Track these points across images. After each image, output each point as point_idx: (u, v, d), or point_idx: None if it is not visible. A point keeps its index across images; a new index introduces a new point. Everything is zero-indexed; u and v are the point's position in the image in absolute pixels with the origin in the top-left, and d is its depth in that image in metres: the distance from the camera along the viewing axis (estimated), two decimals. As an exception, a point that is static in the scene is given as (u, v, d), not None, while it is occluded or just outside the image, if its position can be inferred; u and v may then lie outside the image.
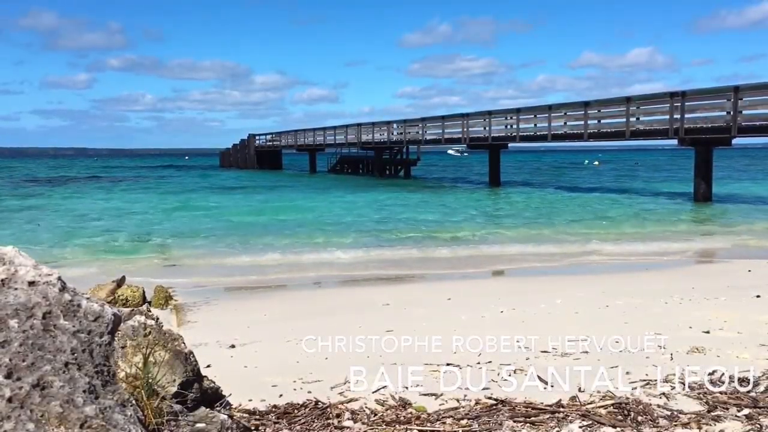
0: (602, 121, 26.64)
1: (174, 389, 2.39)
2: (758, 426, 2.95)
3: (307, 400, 3.56)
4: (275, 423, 3.13)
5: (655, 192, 30.66)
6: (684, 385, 3.69)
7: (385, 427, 3.08)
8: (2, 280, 1.99)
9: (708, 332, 5.31)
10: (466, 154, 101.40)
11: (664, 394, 3.54)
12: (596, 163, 76.20)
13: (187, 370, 2.48)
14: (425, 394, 3.70)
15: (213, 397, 2.62)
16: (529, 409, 3.30)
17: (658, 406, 3.32)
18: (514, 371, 4.22)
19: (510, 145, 33.48)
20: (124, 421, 1.90)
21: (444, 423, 3.13)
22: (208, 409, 2.44)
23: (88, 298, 2.11)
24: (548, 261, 12.34)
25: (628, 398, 3.45)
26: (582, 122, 27.29)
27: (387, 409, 3.39)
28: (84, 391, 1.88)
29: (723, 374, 3.89)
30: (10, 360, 1.82)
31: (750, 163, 68.55)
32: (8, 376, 1.80)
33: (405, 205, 23.71)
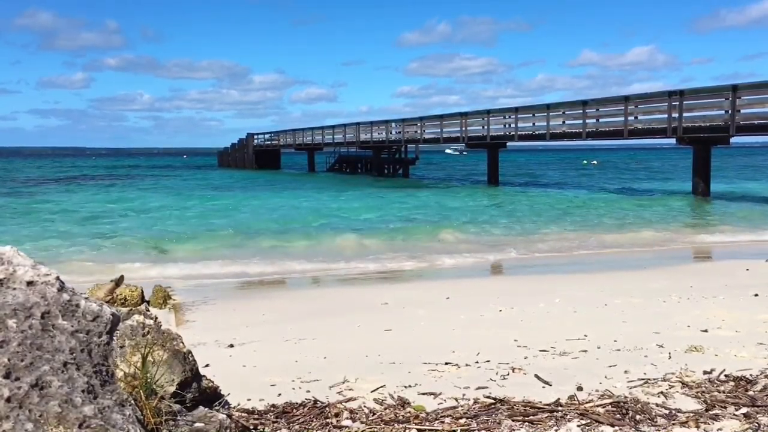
0: (601, 120, 26.69)
1: (172, 389, 2.39)
2: (756, 424, 2.96)
3: (306, 399, 3.56)
4: (274, 422, 3.13)
5: (653, 190, 30.69)
6: (682, 383, 3.70)
7: (383, 426, 3.08)
8: (0, 280, 1.99)
9: (706, 331, 5.32)
10: (464, 153, 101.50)
11: (662, 392, 3.55)
12: (594, 162, 76.32)
13: (185, 369, 2.48)
14: (424, 393, 3.70)
15: (212, 397, 2.62)
16: (528, 408, 3.31)
17: (657, 404, 3.33)
18: (513, 370, 4.23)
19: (509, 144, 33.52)
20: (123, 421, 1.90)
21: (443, 422, 3.13)
22: (206, 409, 2.44)
23: (86, 298, 2.11)
24: (549, 257, 12.37)
25: (626, 397, 3.45)
26: (580, 121, 27.33)
27: (386, 408, 3.39)
28: (83, 391, 1.88)
29: (721, 373, 3.90)
30: (9, 360, 1.82)
31: (748, 161, 68.66)
32: (7, 375, 1.80)
33: (404, 204, 23.71)
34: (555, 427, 3.01)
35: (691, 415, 3.14)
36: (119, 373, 2.20)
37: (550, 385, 3.83)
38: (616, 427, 2.99)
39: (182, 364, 2.48)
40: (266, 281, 10.71)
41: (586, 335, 5.32)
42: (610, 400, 3.37)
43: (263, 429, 3.01)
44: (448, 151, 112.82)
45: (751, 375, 3.82)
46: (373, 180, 39.54)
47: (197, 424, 2.30)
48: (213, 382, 2.70)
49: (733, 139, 22.53)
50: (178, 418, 2.27)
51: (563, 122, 28.65)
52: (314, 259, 12.38)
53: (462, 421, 3.15)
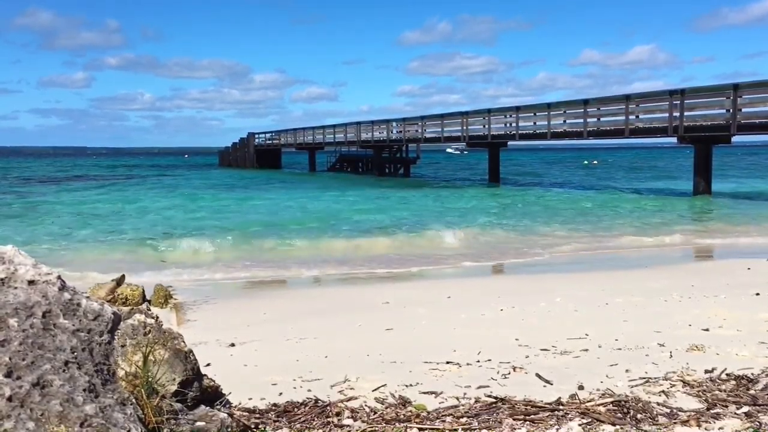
0: (602, 119, 26.67)
1: (174, 388, 2.39)
2: (757, 423, 2.96)
3: (307, 398, 3.56)
4: (275, 421, 3.13)
5: (654, 190, 30.67)
6: (683, 382, 3.70)
7: (384, 425, 3.08)
8: (2, 279, 1.99)
9: (707, 330, 5.32)
10: (465, 152, 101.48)
11: (663, 391, 3.54)
12: (595, 162, 76.39)
13: (186, 368, 2.48)
14: (425, 393, 3.70)
15: (213, 396, 2.63)
16: (529, 407, 3.30)
17: (658, 403, 3.33)
18: (514, 369, 4.23)
19: (509, 143, 33.52)
20: (124, 420, 1.90)
21: (444, 421, 3.13)
22: (207, 408, 2.44)
23: (87, 297, 2.12)
24: (550, 255, 12.37)
25: (627, 396, 3.45)
26: (581, 120, 27.32)
27: (387, 408, 3.39)
28: (84, 390, 1.88)
29: (722, 372, 3.89)
30: (10, 359, 1.83)
31: (750, 160, 68.57)
32: (8, 374, 1.80)
33: (410, 205, 23.44)
34: (556, 426, 3.01)
35: (693, 414, 3.14)
36: (120, 372, 2.20)
37: (552, 384, 3.83)
38: (618, 426, 2.99)
39: (183, 363, 2.48)
40: (267, 281, 10.70)
41: (587, 334, 5.32)
42: (612, 399, 3.37)
43: (264, 428, 3.01)
44: (449, 150, 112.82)
45: (752, 374, 3.82)
46: (374, 180, 39.50)
47: (198, 423, 2.30)
48: (214, 381, 2.70)
49: (734, 138, 22.52)
50: (180, 416, 2.27)
51: (564, 121, 28.66)
52: (321, 262, 12.09)
53: (463, 420, 3.15)
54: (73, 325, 2.00)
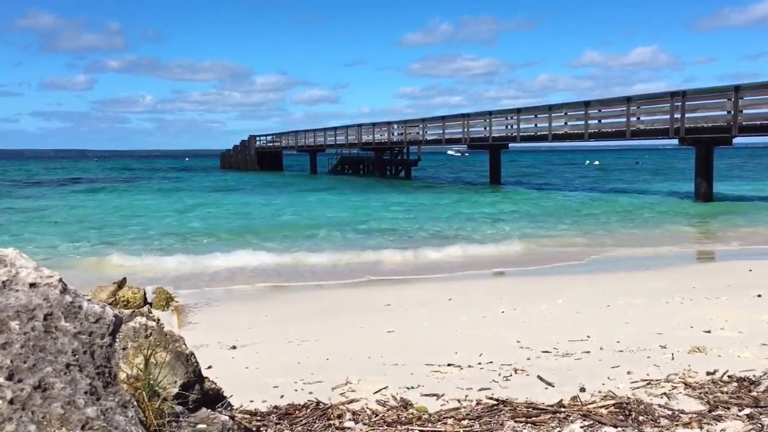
0: (603, 120, 26.64)
1: (175, 390, 2.39)
2: (759, 425, 2.95)
3: (309, 400, 3.56)
4: (276, 424, 3.13)
5: (656, 191, 30.64)
6: (685, 384, 3.69)
7: (386, 427, 3.08)
8: (3, 282, 1.99)
9: (709, 332, 5.31)
10: (467, 154, 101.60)
11: (665, 393, 3.54)
12: (596, 162, 76.57)
13: (188, 371, 2.48)
14: (426, 395, 3.70)
15: (214, 398, 2.63)
16: (531, 410, 3.30)
17: (660, 405, 3.32)
18: (515, 371, 4.23)
19: (510, 145, 33.50)
20: (126, 423, 1.90)
21: (445, 423, 3.13)
22: (209, 410, 2.44)
23: (89, 300, 2.12)
24: (551, 261, 12.35)
25: (629, 398, 3.45)
26: (583, 122, 27.31)
27: (388, 410, 3.39)
28: (85, 393, 1.88)
29: (724, 374, 3.89)
30: (12, 362, 1.83)
31: (752, 162, 68.48)
32: (9, 377, 1.80)
33: (421, 210, 22.90)
34: (558, 428, 3.01)
35: (694, 416, 3.14)
36: (122, 375, 2.20)
37: (553, 386, 3.83)
38: (619, 428, 2.98)
39: (185, 365, 2.48)
40: (269, 284, 10.69)
41: (588, 336, 5.32)
42: (613, 401, 3.37)
43: (266, 430, 3.01)
44: (450, 152, 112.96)
45: (754, 376, 3.81)
46: (376, 181, 39.47)
47: (200, 426, 2.30)
48: (215, 383, 2.70)
49: (735, 140, 22.49)
50: (181, 419, 2.27)
51: (565, 123, 28.64)
52: (336, 272, 11.45)
53: (465, 422, 3.15)
54: (75, 327, 2.00)
